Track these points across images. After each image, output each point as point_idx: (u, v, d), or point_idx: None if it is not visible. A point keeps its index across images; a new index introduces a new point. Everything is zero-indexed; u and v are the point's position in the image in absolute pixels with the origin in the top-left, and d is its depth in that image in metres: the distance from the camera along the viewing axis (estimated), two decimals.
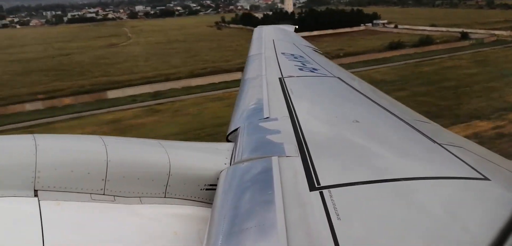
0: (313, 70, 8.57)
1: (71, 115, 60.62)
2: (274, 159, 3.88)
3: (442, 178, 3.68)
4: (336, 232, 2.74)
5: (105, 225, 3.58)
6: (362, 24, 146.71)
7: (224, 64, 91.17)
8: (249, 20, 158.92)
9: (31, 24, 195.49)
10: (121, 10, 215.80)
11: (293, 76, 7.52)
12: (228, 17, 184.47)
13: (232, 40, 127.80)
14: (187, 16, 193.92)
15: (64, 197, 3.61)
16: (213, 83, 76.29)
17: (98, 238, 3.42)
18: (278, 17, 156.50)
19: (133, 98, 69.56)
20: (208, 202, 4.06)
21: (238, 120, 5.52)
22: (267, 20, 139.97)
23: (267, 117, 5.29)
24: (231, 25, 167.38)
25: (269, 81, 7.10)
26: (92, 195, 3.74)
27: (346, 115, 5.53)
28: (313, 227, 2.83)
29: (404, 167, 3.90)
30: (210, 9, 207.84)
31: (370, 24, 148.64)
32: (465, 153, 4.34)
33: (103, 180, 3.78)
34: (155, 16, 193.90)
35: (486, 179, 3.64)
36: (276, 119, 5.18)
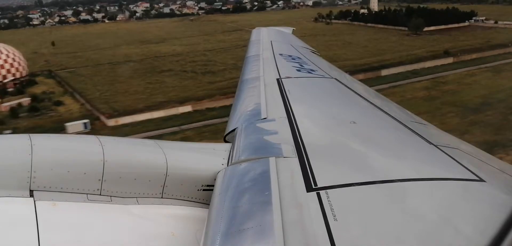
0: (311, 71, 8.60)
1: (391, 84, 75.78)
2: (272, 160, 3.89)
3: (437, 179, 3.71)
4: (332, 233, 2.75)
5: (101, 225, 3.56)
6: (467, 21, 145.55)
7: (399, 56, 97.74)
8: (356, 17, 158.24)
9: (118, 19, 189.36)
10: (197, 6, 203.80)
11: (291, 77, 7.52)
12: (312, 13, 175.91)
13: (355, 35, 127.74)
14: (257, 11, 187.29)
15: (60, 197, 3.59)
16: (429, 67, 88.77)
17: (94, 239, 3.40)
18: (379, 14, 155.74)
19: (406, 75, 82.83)
20: (205, 202, 4.05)
21: (235, 121, 5.52)
22: (383, 17, 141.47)
23: (265, 118, 5.30)
24: (334, 21, 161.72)
25: (267, 82, 7.12)
26: (88, 195, 3.72)
27: (343, 117, 5.54)
28: (310, 228, 2.84)
29: (400, 168, 3.92)
30: (275, 5, 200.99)
31: (472, 20, 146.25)
32: (460, 155, 4.37)
33: (99, 180, 3.76)
34: (227, 11, 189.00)
35: (481, 180, 3.67)
36: (273, 120, 5.19)
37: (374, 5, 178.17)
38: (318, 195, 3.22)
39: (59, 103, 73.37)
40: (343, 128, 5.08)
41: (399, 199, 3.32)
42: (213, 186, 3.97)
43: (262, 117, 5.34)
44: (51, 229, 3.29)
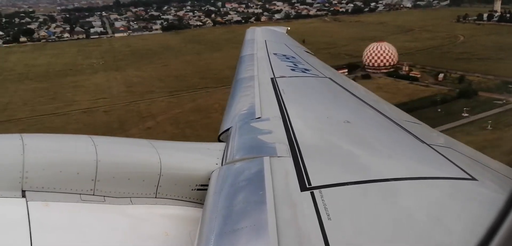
0: (305, 70, 8.62)
1: None
2: (266, 159, 3.89)
3: (430, 178, 3.73)
4: (326, 232, 2.76)
5: (94, 226, 3.53)
6: None
7: None
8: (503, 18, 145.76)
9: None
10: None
11: (285, 77, 7.53)
12: (432, 14, 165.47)
13: None
14: (357, 14, 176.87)
15: (52, 197, 3.55)
16: None
17: (87, 239, 3.37)
18: None
19: None
20: (199, 202, 4.04)
21: (230, 121, 5.51)
22: None
23: (259, 118, 5.29)
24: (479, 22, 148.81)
25: (261, 81, 7.13)
26: (81, 195, 3.69)
27: (337, 116, 5.56)
28: (304, 227, 2.84)
29: (394, 168, 3.94)
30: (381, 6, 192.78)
31: None
32: (453, 154, 4.40)
33: (93, 180, 3.73)
34: (345, 13, 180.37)
35: (473, 179, 3.70)
36: (268, 119, 5.19)
37: (497, 6, 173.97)
38: (312, 194, 3.22)
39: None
40: (337, 127, 5.10)
41: (392, 198, 3.34)
42: (207, 185, 3.96)
43: (257, 116, 5.34)
44: (44, 230, 3.25)
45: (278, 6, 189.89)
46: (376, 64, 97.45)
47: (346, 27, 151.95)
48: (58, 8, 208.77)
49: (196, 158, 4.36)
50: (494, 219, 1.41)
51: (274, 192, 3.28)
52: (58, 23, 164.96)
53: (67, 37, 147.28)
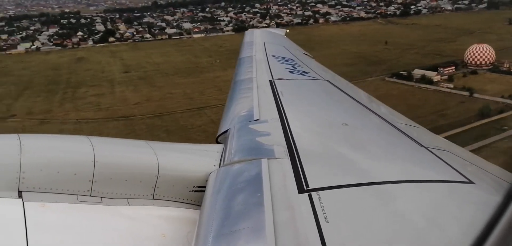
0: (304, 73, 8.61)
1: None
2: (264, 161, 3.88)
3: (428, 181, 3.75)
4: (324, 234, 2.75)
5: (91, 227, 3.53)
6: None
7: None
8: None
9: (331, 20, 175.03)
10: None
11: (284, 79, 7.54)
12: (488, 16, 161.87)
13: None
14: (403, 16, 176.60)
15: (49, 198, 3.55)
16: None
17: (84, 240, 3.37)
18: None
19: None
20: (197, 204, 4.03)
21: (228, 122, 5.51)
22: None
23: (257, 120, 5.28)
24: None
25: (260, 83, 7.13)
26: (78, 196, 3.69)
27: (335, 118, 5.59)
28: (302, 229, 2.84)
29: (391, 170, 3.94)
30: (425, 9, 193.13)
31: None
32: (450, 157, 4.41)
33: (90, 181, 3.73)
34: (394, 15, 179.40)
35: (470, 182, 3.70)
36: (266, 121, 5.17)
37: None
38: (310, 197, 3.21)
39: None
40: (335, 129, 5.11)
41: (390, 200, 3.33)
42: (205, 187, 3.95)
43: (255, 118, 5.33)
44: (40, 231, 3.24)
45: (321, 8, 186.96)
46: (478, 63, 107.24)
47: (407, 30, 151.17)
48: (92, 8, 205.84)
49: (193, 159, 4.35)
50: (488, 220, 1.44)
51: (272, 194, 3.27)
52: (118, 24, 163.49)
53: (149, 37, 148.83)
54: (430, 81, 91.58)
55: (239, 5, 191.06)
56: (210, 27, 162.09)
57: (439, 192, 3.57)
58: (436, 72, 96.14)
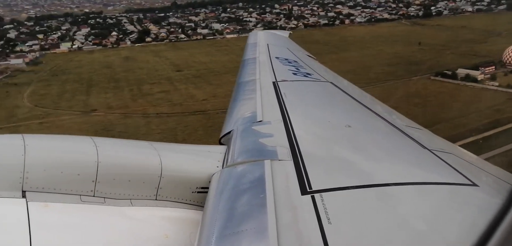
0: (307, 75, 8.60)
1: None
2: (267, 163, 3.87)
3: (431, 184, 3.73)
4: (326, 236, 2.75)
5: (94, 227, 3.53)
6: None
7: None
8: None
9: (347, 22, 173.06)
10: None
11: (287, 81, 7.54)
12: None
13: None
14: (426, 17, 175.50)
15: (53, 198, 3.57)
16: None
17: (87, 240, 3.38)
18: None
19: None
20: (200, 205, 4.02)
21: (231, 123, 5.51)
22: None
23: (261, 121, 5.28)
24: None
25: (263, 85, 7.14)
26: (81, 196, 3.71)
27: (339, 120, 5.58)
28: (304, 230, 2.84)
29: (395, 172, 3.92)
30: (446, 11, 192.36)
31: None
32: (454, 159, 4.39)
33: (93, 181, 3.74)
34: (416, 16, 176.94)
35: (474, 184, 3.68)
36: (269, 123, 5.16)
37: None
38: (313, 198, 3.21)
39: None
40: (338, 131, 5.09)
41: (393, 202, 3.31)
42: (207, 188, 3.94)
43: (258, 120, 5.33)
44: (43, 230, 3.26)
45: (342, 9, 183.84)
46: None
47: (433, 31, 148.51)
48: (109, 7, 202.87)
49: (197, 160, 4.34)
50: (491, 222, 1.45)
51: (275, 195, 3.27)
52: (146, 24, 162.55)
53: (184, 37, 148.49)
54: (475, 80, 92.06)
55: (257, 6, 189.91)
56: (239, 28, 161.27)
57: (442, 194, 3.56)
58: (479, 72, 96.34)
